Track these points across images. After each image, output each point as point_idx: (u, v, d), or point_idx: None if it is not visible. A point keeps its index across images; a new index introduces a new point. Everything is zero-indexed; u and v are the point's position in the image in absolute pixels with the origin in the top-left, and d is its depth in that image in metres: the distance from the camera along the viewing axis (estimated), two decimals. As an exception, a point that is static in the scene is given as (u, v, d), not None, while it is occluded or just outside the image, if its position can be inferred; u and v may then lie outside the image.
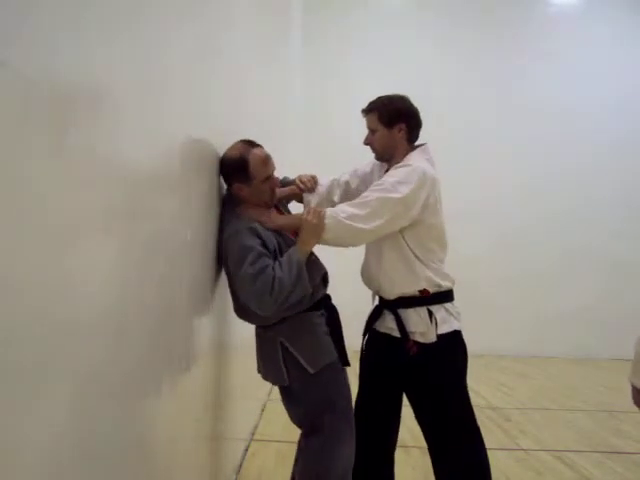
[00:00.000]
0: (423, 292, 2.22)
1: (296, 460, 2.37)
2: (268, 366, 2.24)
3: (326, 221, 2.09)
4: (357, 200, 2.18)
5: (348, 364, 2.24)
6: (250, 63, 3.24)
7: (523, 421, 4.52)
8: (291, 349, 2.13)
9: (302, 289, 2.03)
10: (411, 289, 2.23)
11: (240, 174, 2.13)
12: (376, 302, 2.45)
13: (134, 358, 1.35)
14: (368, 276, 2.41)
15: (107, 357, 1.18)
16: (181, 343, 1.81)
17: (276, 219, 2.18)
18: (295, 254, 2.05)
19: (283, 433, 3.88)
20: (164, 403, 1.62)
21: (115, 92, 1.20)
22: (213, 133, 2.19)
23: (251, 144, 2.18)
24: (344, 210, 2.14)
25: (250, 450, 3.49)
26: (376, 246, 2.31)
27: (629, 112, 8.36)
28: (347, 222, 2.10)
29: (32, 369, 0.88)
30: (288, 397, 2.25)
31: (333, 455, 2.11)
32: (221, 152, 2.24)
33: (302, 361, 2.11)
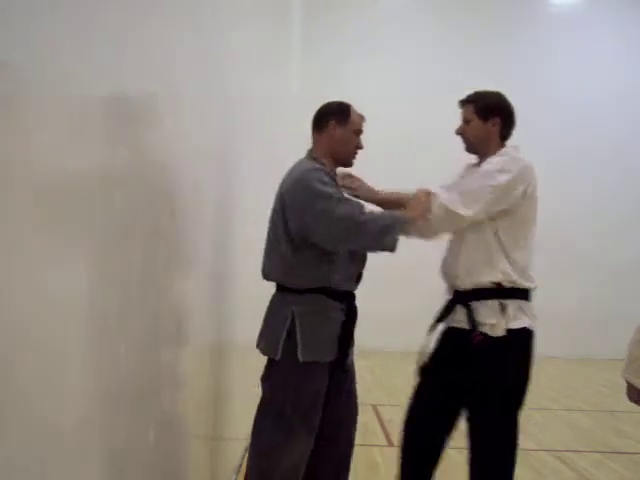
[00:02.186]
0: (497, 285, 2.18)
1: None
2: (268, 333, 2.19)
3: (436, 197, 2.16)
4: (456, 186, 2.21)
5: (343, 370, 2.21)
6: (250, 65, 3.24)
7: (523, 421, 4.49)
8: (297, 325, 2.10)
9: (389, 239, 2.05)
10: (486, 279, 2.18)
11: (340, 115, 2.25)
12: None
13: (133, 358, 1.35)
14: (446, 267, 2.36)
15: (106, 357, 1.18)
16: (181, 343, 1.82)
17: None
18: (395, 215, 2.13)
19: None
20: (164, 403, 1.62)
21: (120, 97, 1.20)
22: (210, 136, 2.19)
23: None
24: (444, 195, 2.18)
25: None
26: (460, 234, 2.29)
27: (630, 111, 8.36)
28: (449, 207, 2.14)
29: (34, 372, 0.88)
30: (268, 372, 2.19)
31: (284, 449, 2.08)
32: (216, 160, 2.24)
33: (299, 344, 2.08)
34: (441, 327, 2.38)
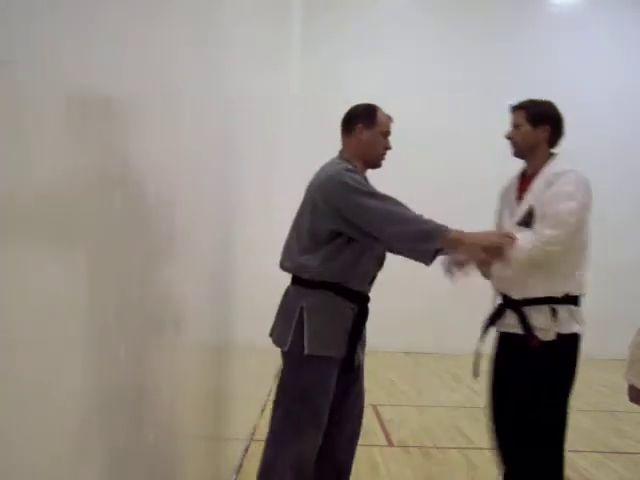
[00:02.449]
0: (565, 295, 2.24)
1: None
2: (279, 324, 2.25)
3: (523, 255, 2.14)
4: (549, 221, 2.18)
5: (351, 369, 2.23)
6: (252, 67, 3.24)
7: (523, 421, 4.51)
8: (305, 318, 2.14)
9: (424, 245, 2.05)
10: (541, 293, 2.23)
11: (367, 117, 2.29)
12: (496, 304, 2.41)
13: (133, 358, 1.35)
14: (500, 276, 2.36)
15: (106, 357, 1.18)
16: (181, 343, 1.82)
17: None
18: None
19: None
20: (164, 403, 1.62)
21: (120, 97, 1.20)
22: (210, 136, 2.19)
23: None
24: (539, 236, 2.16)
25: (250, 450, 3.49)
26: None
27: (629, 111, 8.36)
28: (545, 248, 2.15)
29: (34, 374, 0.88)
30: (283, 364, 2.26)
31: (290, 443, 2.13)
32: (216, 160, 2.24)
33: (305, 336, 2.12)
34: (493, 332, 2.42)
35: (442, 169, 7.74)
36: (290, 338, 2.15)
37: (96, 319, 1.12)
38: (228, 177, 2.64)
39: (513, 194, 2.40)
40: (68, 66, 0.98)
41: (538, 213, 2.21)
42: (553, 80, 8.32)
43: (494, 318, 2.37)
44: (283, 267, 2.30)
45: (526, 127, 2.34)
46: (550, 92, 8.51)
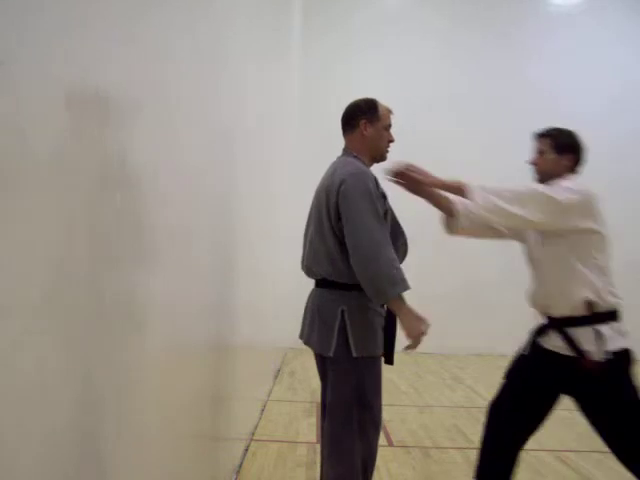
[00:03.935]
0: (588, 305, 2.24)
1: (322, 455, 2.32)
2: (319, 330, 2.20)
3: (473, 191, 2.19)
4: (519, 185, 2.25)
5: (392, 362, 2.23)
6: (250, 63, 3.24)
7: (523, 421, 4.51)
8: (347, 322, 2.12)
9: (393, 292, 2.06)
10: (576, 297, 2.24)
11: (369, 112, 2.28)
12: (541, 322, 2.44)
13: (133, 358, 1.35)
14: (533, 296, 2.43)
15: (104, 356, 1.18)
16: (181, 343, 1.82)
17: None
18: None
19: (283, 433, 3.89)
20: (164, 403, 1.62)
21: (121, 93, 1.20)
22: (209, 135, 2.19)
23: None
24: (494, 187, 2.23)
25: (250, 450, 3.49)
26: (538, 265, 2.39)
27: (630, 111, 8.36)
28: (492, 197, 2.19)
29: (33, 370, 0.88)
30: (326, 370, 2.22)
31: (356, 452, 2.11)
32: (224, 150, 2.24)
33: (350, 339, 2.10)
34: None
35: (442, 169, 7.73)
36: (334, 343, 2.12)
37: (92, 317, 1.12)
38: (227, 176, 2.64)
39: None
40: (68, 66, 0.98)
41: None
42: (553, 79, 8.34)
43: (537, 334, 2.40)
44: (311, 272, 2.27)
45: (551, 155, 2.40)
46: (550, 91, 8.47)
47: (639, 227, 8.42)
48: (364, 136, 2.28)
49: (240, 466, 3.19)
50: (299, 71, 7.57)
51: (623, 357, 2.26)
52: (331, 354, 2.13)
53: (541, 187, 2.27)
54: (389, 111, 2.34)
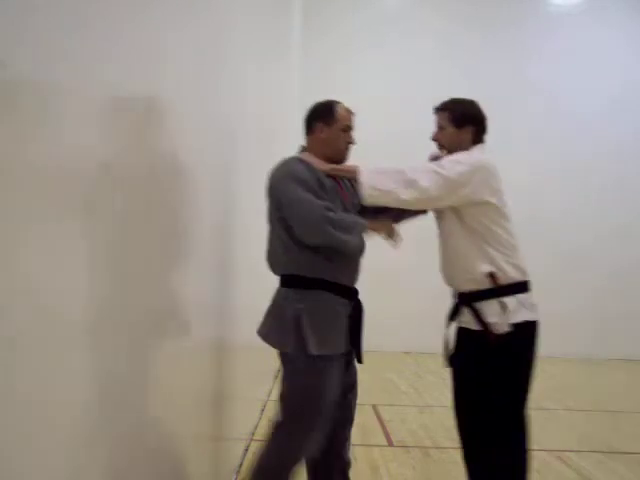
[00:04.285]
0: (492, 277, 2.23)
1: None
2: (275, 326, 2.20)
3: (361, 176, 2.19)
4: (408, 166, 2.25)
5: (360, 361, 2.24)
6: (250, 63, 3.24)
7: (523, 421, 4.51)
8: (304, 320, 2.11)
9: (352, 238, 2.10)
10: (474, 272, 2.24)
11: (325, 114, 2.30)
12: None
13: (133, 358, 1.35)
14: (443, 272, 2.43)
15: (105, 356, 1.18)
16: (182, 342, 1.82)
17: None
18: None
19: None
20: (164, 403, 1.62)
21: (122, 92, 1.20)
22: (210, 133, 2.19)
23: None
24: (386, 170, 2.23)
25: (250, 450, 3.49)
26: (442, 241, 2.39)
27: (630, 111, 8.36)
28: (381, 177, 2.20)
29: (34, 371, 0.88)
30: (284, 367, 2.23)
31: (294, 448, 2.14)
32: (224, 151, 2.24)
33: (307, 337, 2.09)
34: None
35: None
36: (292, 341, 2.11)
37: (95, 318, 1.12)
38: (228, 176, 2.63)
39: None
40: (68, 66, 0.98)
41: None
42: (553, 80, 8.33)
43: (453, 315, 2.41)
44: (272, 268, 2.30)
45: (450, 129, 2.37)
46: (550, 92, 8.47)
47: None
48: (320, 138, 2.30)
49: (240, 466, 3.18)
50: (299, 71, 7.56)
51: (526, 329, 2.24)
52: (289, 350, 2.13)
53: (430, 164, 2.26)
54: (349, 112, 2.32)
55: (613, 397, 5.54)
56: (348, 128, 2.31)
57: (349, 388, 2.35)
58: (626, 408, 5.19)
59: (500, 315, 2.21)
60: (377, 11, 8.48)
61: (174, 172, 1.69)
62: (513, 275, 2.25)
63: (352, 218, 2.17)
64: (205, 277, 2.17)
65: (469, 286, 2.29)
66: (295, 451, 2.15)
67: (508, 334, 2.19)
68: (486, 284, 2.24)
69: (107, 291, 1.17)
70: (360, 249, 2.20)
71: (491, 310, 2.23)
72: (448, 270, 2.39)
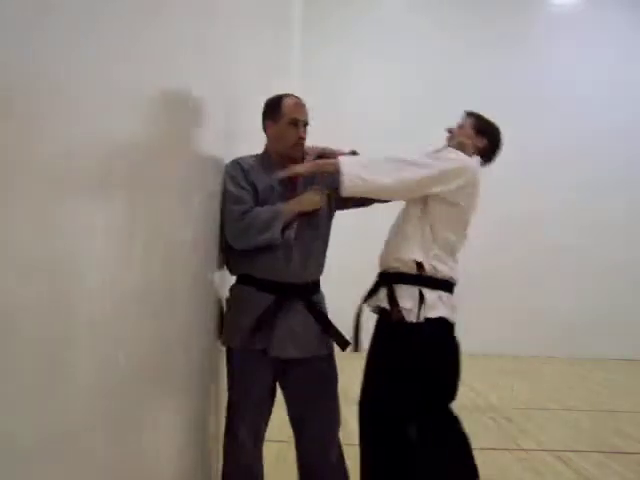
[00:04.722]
0: (418, 266, 2.25)
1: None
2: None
3: (342, 170, 2.19)
4: (391, 157, 2.29)
5: (343, 349, 2.23)
6: (250, 64, 3.24)
7: (523, 421, 4.52)
8: (225, 311, 2.28)
9: (270, 234, 2.09)
10: (407, 255, 2.27)
11: (271, 110, 2.26)
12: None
13: (135, 358, 1.35)
14: (380, 256, 2.45)
15: (109, 357, 1.18)
16: (181, 342, 1.82)
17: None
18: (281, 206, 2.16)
19: (283, 433, 3.87)
20: (164, 403, 1.62)
21: (123, 91, 1.20)
22: (212, 137, 2.19)
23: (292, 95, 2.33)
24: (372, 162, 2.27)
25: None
26: (395, 224, 2.44)
27: (630, 111, 8.37)
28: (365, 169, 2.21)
29: (33, 372, 0.88)
30: None
31: (228, 432, 2.23)
32: (222, 153, 2.24)
33: (223, 331, 2.25)
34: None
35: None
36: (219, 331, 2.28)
37: (98, 318, 1.12)
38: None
39: None
40: (68, 65, 0.98)
41: None
42: (552, 80, 8.35)
43: (369, 295, 2.43)
44: (225, 264, 2.38)
45: (468, 130, 2.49)
46: (550, 92, 8.49)
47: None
48: (270, 135, 2.29)
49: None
50: (299, 87, 7.55)
51: (439, 327, 2.25)
52: (219, 343, 2.28)
53: (414, 156, 2.31)
54: (298, 105, 2.25)
55: (613, 397, 5.54)
56: (296, 121, 2.21)
57: (295, 397, 2.31)
58: (626, 408, 5.19)
59: (415, 304, 2.22)
60: (377, 13, 8.47)
61: (176, 174, 1.69)
62: (442, 274, 2.28)
63: (268, 213, 2.12)
64: (205, 277, 2.17)
65: (394, 264, 2.31)
66: (229, 435, 2.27)
67: (419, 326, 2.19)
68: (411, 270, 2.26)
69: (108, 291, 1.17)
70: (274, 241, 2.12)
71: (408, 295, 2.24)
72: (385, 250, 2.42)
